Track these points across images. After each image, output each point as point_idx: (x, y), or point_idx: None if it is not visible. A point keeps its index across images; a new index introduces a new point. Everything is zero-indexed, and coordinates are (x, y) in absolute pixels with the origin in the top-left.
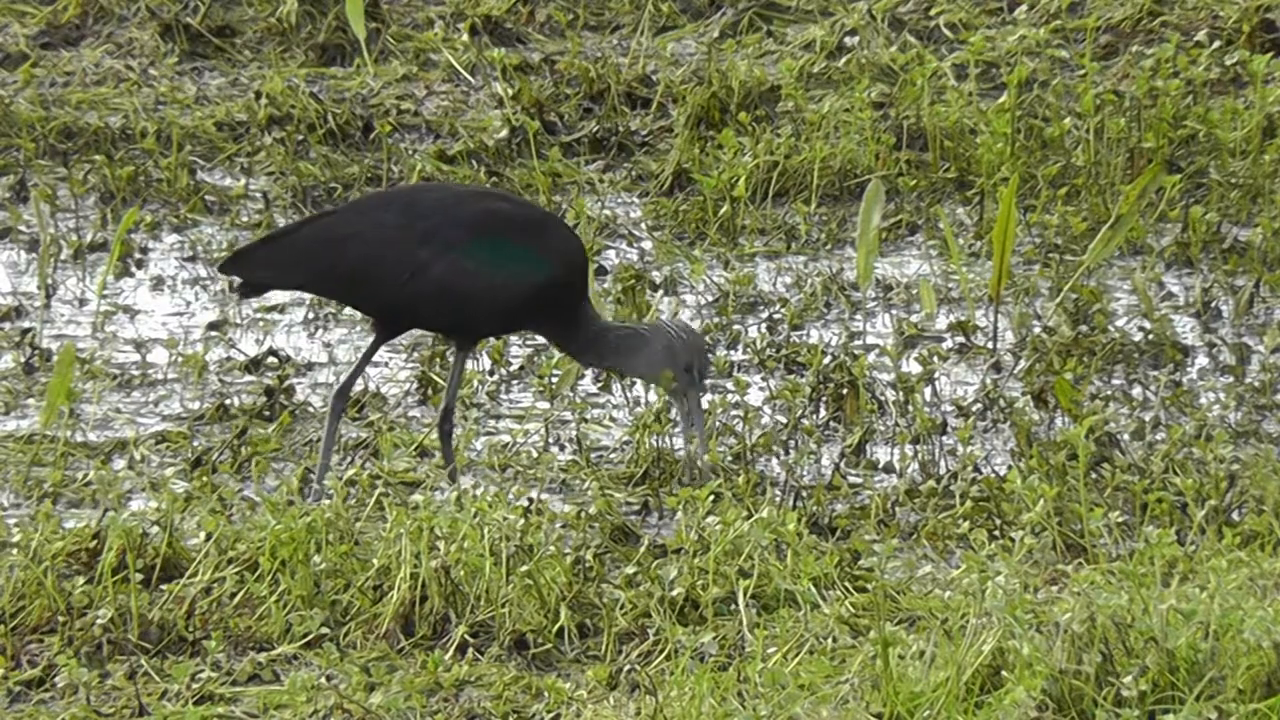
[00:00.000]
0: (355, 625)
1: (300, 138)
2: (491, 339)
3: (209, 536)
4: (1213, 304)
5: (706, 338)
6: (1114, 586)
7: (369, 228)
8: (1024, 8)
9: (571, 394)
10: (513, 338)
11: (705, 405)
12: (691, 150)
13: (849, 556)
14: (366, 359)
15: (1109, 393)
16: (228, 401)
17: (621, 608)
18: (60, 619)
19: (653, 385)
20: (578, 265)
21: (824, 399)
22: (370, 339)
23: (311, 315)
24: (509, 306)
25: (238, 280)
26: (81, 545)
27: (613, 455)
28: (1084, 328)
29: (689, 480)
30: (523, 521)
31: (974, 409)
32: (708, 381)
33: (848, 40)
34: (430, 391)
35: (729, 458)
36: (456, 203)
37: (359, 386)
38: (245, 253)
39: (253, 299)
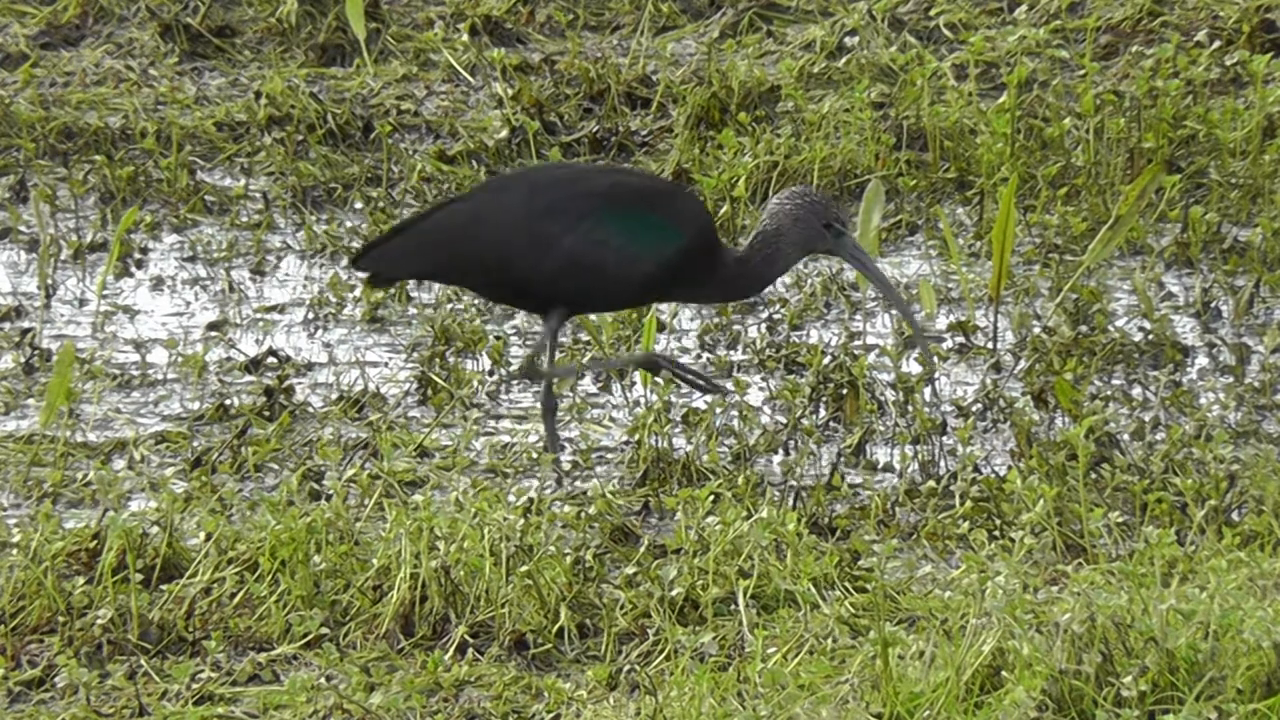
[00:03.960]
0: (355, 625)
1: (300, 138)
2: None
3: (209, 536)
4: (1213, 304)
5: (814, 189)
6: (1114, 586)
7: (495, 210)
8: (1024, 8)
9: (571, 394)
10: (513, 338)
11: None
12: (691, 150)
13: (849, 556)
14: (553, 345)
15: (1109, 393)
16: (228, 401)
17: (621, 608)
18: (60, 619)
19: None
20: (708, 227)
21: (824, 399)
22: (546, 323)
23: (311, 315)
24: (646, 276)
25: (368, 274)
26: (81, 545)
27: (611, 456)
28: (1084, 328)
29: (921, 351)
30: (523, 521)
31: (974, 409)
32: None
33: (848, 40)
34: (430, 391)
35: (729, 458)
36: (582, 178)
37: (359, 386)
38: (375, 246)
39: (384, 291)
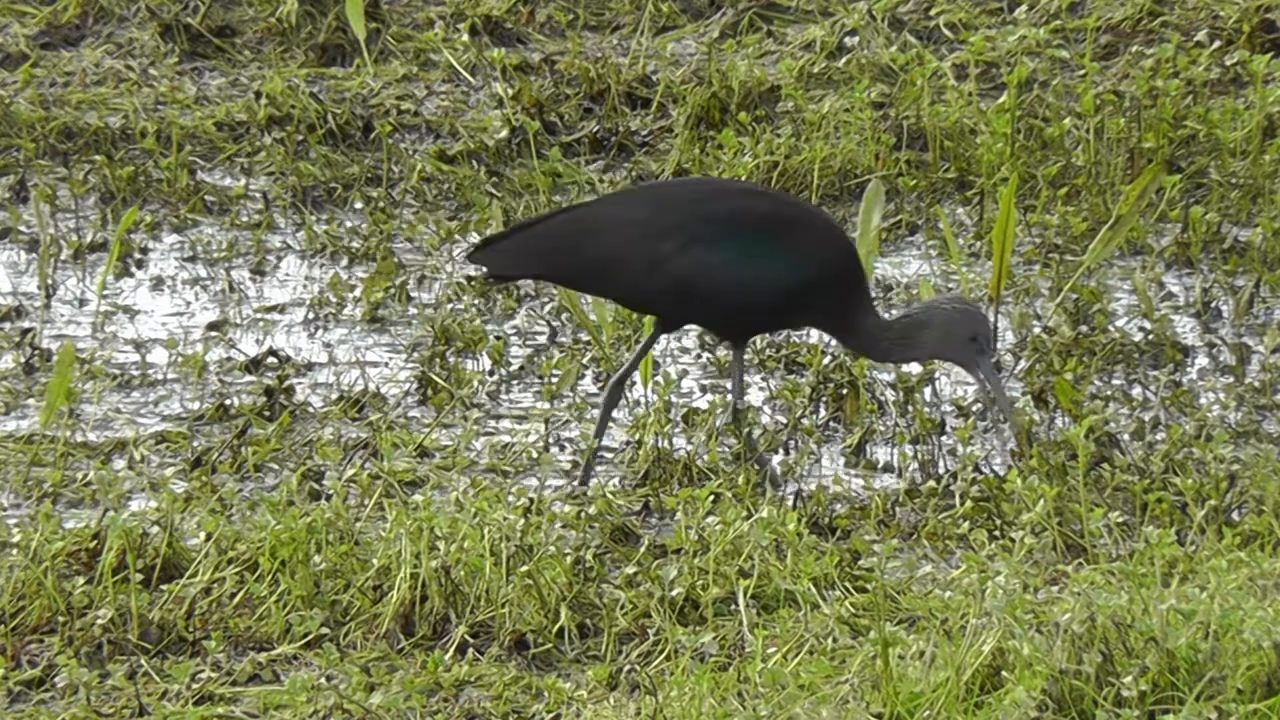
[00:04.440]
0: (355, 625)
1: (300, 138)
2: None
3: (209, 536)
4: (1213, 304)
5: (981, 305)
6: (1114, 586)
7: (615, 221)
8: (1024, 8)
9: (571, 394)
10: (513, 337)
11: (996, 372)
12: (691, 150)
13: (849, 556)
14: (644, 350)
15: (1109, 393)
16: (228, 401)
17: (621, 608)
18: (60, 619)
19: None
20: (839, 267)
21: (824, 399)
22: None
23: (311, 315)
24: (761, 305)
25: (484, 269)
26: (81, 545)
27: (611, 456)
28: (1084, 328)
29: (1013, 447)
30: (523, 521)
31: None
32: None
33: (848, 40)
34: (430, 391)
35: (729, 458)
36: (710, 198)
37: (359, 386)
38: (493, 241)
39: (497, 287)
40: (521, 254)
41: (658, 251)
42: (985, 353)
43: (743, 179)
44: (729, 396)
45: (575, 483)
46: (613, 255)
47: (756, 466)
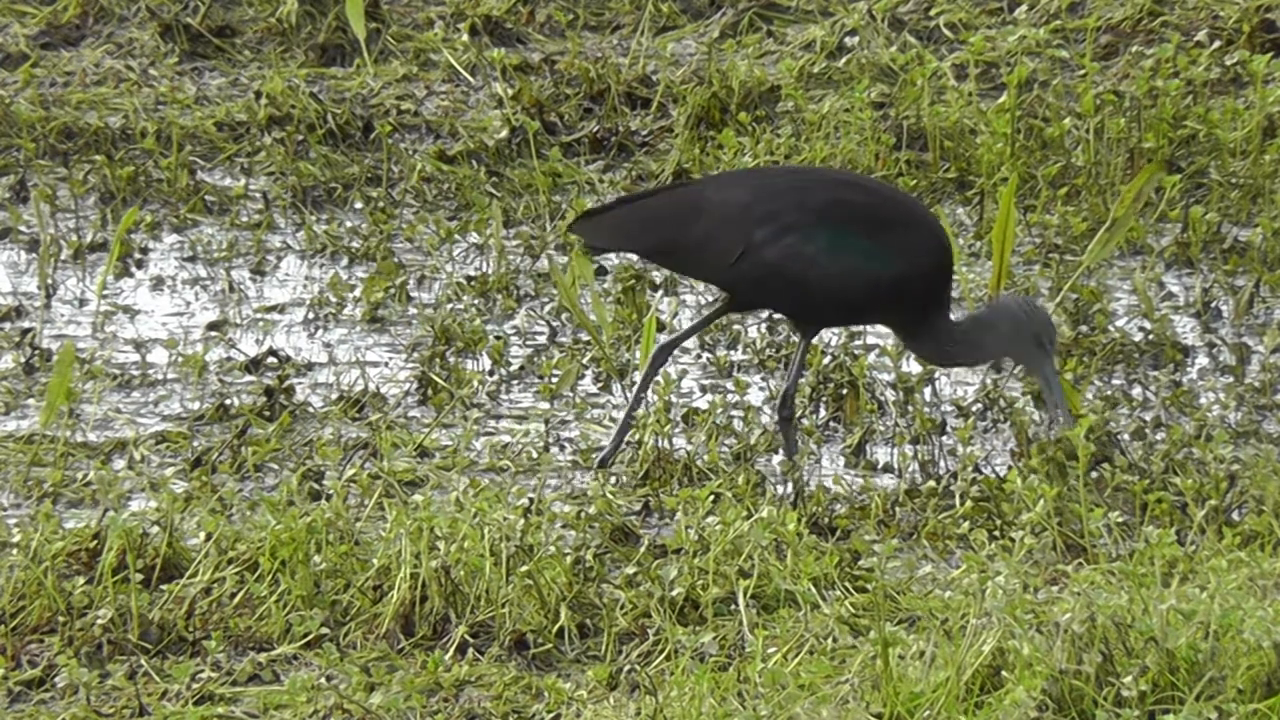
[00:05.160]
0: (355, 625)
1: (300, 138)
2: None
3: (209, 536)
4: (1213, 304)
5: (1047, 306)
6: (1114, 586)
7: (714, 203)
8: (1024, 8)
9: (571, 394)
10: (513, 337)
11: (1056, 375)
12: (692, 150)
13: (849, 556)
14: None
15: (1109, 393)
16: (228, 401)
17: (621, 608)
18: (60, 619)
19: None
20: (929, 267)
21: (824, 399)
22: (716, 307)
23: (311, 315)
24: (846, 299)
25: (582, 240)
26: (81, 545)
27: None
28: (1084, 328)
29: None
30: (523, 521)
31: (974, 409)
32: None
33: (848, 40)
34: (430, 391)
35: (730, 458)
36: (809, 187)
37: (359, 386)
38: (595, 214)
39: (596, 259)
40: (619, 228)
41: (751, 237)
42: (1049, 354)
43: (854, 170)
44: (786, 382)
45: (602, 454)
46: (707, 238)
47: (788, 458)
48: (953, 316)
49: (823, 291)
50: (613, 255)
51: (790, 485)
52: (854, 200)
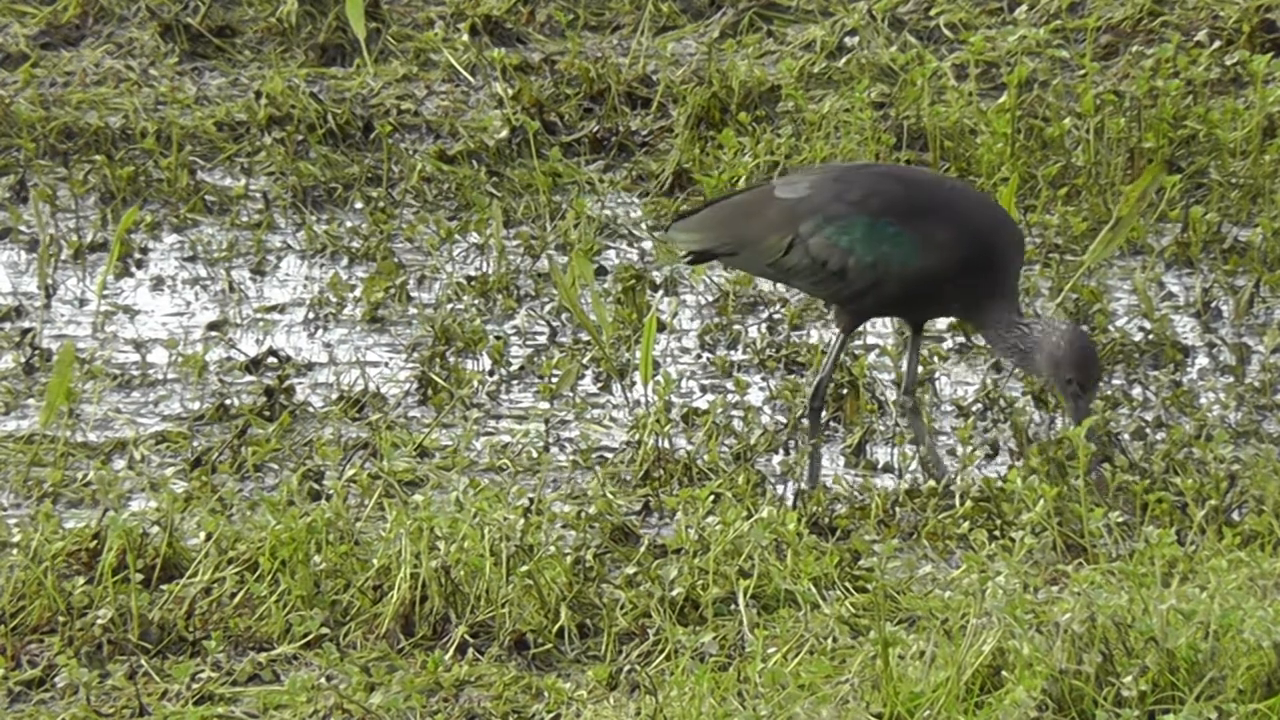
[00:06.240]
0: (355, 625)
1: (300, 138)
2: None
3: (209, 536)
4: (1213, 304)
5: (1092, 345)
6: (1114, 586)
7: (777, 197)
8: (1024, 8)
9: (571, 394)
10: (513, 337)
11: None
12: (692, 150)
13: (849, 556)
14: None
15: (1109, 393)
16: (228, 401)
17: (621, 608)
18: (60, 619)
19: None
20: (969, 258)
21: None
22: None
23: (311, 315)
24: (883, 291)
25: (674, 243)
26: (81, 545)
27: (611, 456)
28: (1084, 328)
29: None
30: (523, 521)
31: (974, 409)
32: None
33: (848, 40)
34: (430, 391)
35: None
36: (853, 181)
37: (359, 386)
38: (684, 216)
39: (696, 265)
40: (700, 226)
41: (798, 232)
42: (1082, 397)
43: (906, 164)
44: (904, 378)
45: (804, 484)
46: (765, 231)
47: (927, 462)
48: (1018, 317)
49: (860, 282)
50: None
51: (796, 482)
52: (891, 192)
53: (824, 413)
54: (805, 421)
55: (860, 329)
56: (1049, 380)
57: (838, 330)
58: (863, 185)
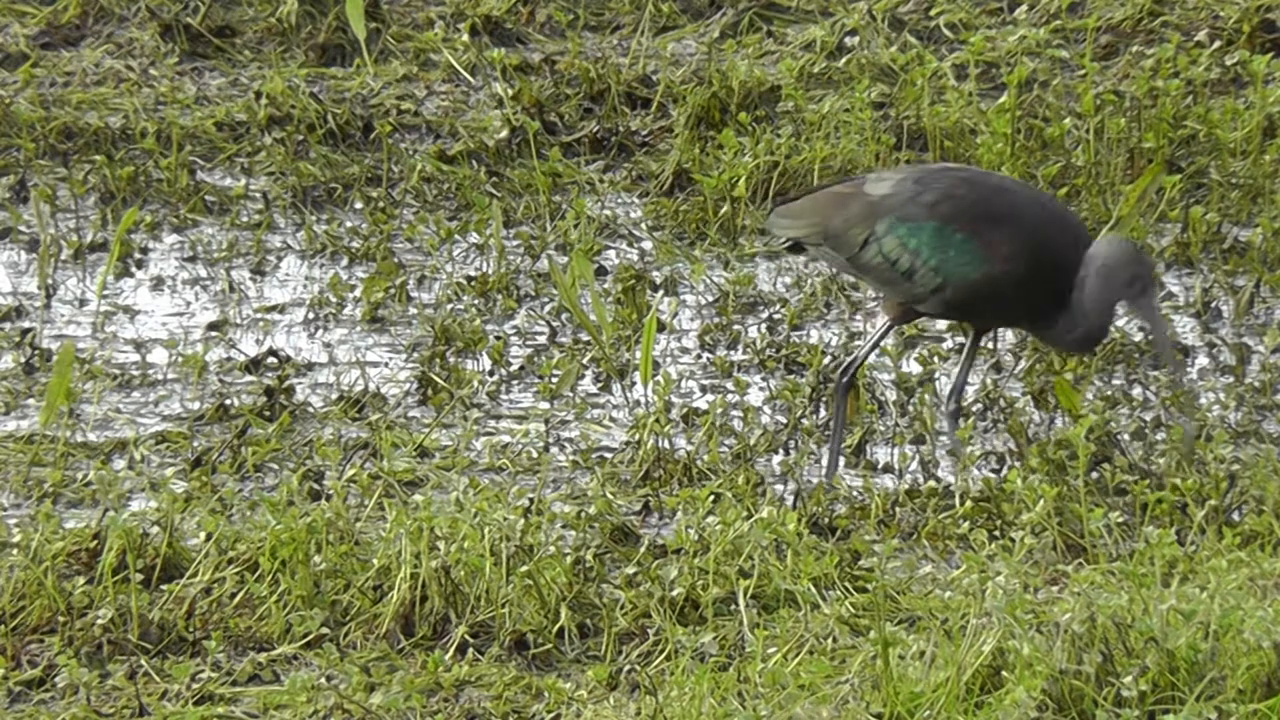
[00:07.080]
0: (355, 625)
1: (300, 138)
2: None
3: (209, 536)
4: (1213, 304)
5: (1130, 240)
6: (1114, 586)
7: (862, 192)
8: (1024, 8)
9: (571, 394)
10: (513, 337)
11: (1160, 315)
12: (692, 150)
13: (849, 556)
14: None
15: (1109, 393)
16: (228, 401)
17: (621, 608)
18: (60, 619)
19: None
20: (1032, 269)
21: (824, 399)
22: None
23: (311, 315)
24: (946, 295)
25: (773, 229)
26: (81, 545)
27: (611, 456)
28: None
29: (1184, 411)
30: (523, 521)
31: (974, 409)
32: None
33: (848, 40)
34: (430, 391)
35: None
36: (928, 183)
37: (359, 386)
38: (783, 202)
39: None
40: (795, 214)
41: (874, 230)
42: (1146, 294)
43: (976, 167)
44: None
45: (824, 476)
46: (846, 225)
47: (958, 460)
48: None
49: (926, 285)
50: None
51: (957, 475)
52: (962, 197)
53: (959, 416)
54: (823, 410)
55: (906, 324)
56: (1109, 305)
57: (885, 318)
58: (938, 189)
